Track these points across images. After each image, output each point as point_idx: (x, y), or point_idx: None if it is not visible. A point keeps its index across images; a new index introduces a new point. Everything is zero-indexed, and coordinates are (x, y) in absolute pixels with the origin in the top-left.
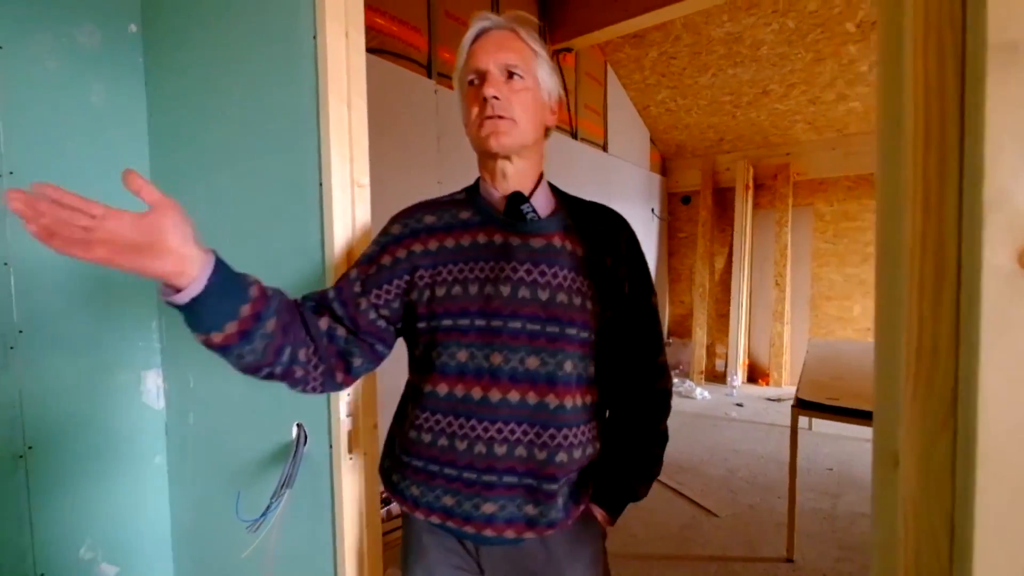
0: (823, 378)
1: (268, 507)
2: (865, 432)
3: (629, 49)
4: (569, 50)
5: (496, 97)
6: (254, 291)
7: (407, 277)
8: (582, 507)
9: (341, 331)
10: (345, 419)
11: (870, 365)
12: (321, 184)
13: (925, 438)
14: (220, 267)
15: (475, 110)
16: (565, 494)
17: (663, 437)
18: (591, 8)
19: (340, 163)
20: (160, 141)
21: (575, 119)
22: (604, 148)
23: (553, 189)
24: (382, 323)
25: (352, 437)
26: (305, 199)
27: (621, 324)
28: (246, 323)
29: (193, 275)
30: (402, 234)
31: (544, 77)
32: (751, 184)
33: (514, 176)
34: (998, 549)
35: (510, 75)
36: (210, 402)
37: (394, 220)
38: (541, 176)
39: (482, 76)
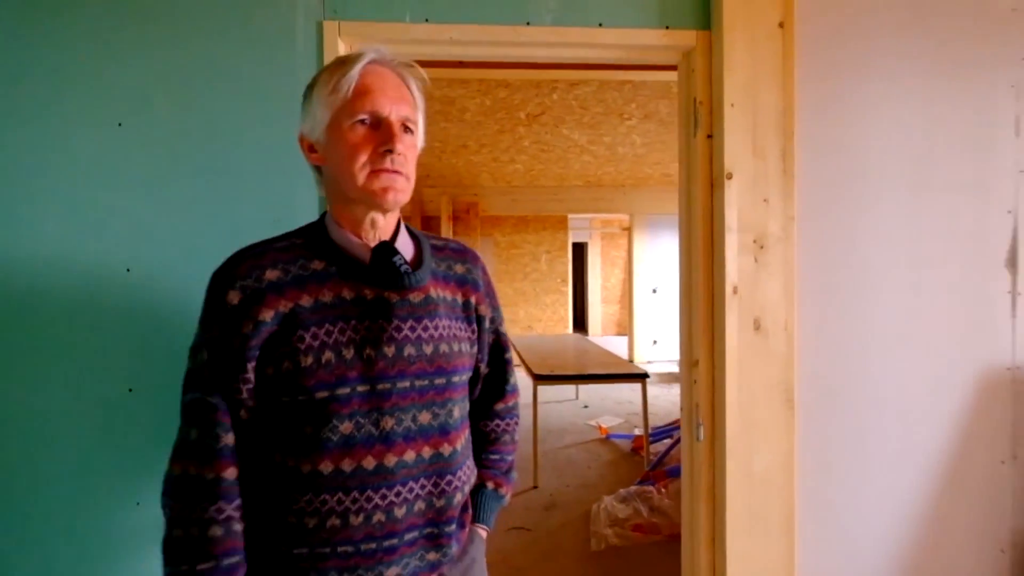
0: (536, 359)
1: None
2: (565, 392)
3: None
4: None
5: (400, 153)
6: None
7: (257, 353)
8: (467, 529)
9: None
10: None
11: (556, 349)
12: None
13: (712, 350)
14: None
15: (364, 156)
16: (456, 528)
17: (516, 443)
18: None
19: None
20: None
21: None
22: None
23: (408, 229)
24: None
25: None
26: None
27: (484, 354)
28: None
29: None
30: (243, 303)
31: (423, 130)
32: (451, 215)
33: (383, 227)
34: (738, 389)
35: (405, 128)
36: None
37: (223, 284)
38: (399, 221)
39: (379, 122)
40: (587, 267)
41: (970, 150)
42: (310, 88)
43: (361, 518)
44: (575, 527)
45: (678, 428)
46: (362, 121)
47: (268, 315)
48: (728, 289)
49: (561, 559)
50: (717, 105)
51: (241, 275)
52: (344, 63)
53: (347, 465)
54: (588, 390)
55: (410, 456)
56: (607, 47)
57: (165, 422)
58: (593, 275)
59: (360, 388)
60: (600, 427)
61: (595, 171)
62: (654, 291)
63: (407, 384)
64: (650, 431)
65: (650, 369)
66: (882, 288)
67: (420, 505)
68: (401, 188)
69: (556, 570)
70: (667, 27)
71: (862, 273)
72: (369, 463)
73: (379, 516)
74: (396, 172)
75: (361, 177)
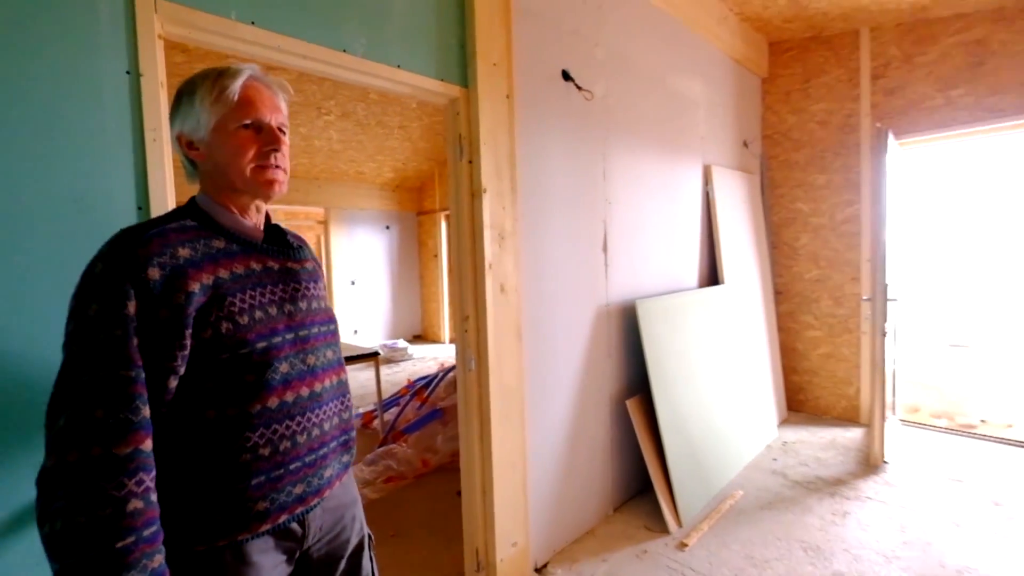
0: None
1: None
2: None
3: None
4: None
5: (282, 152)
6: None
7: (195, 317)
8: None
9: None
10: None
11: None
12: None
13: (476, 308)
14: None
15: (251, 154)
16: (354, 436)
17: None
18: None
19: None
20: None
21: None
22: None
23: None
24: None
25: None
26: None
27: None
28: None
29: None
30: (164, 277)
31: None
32: None
33: (262, 212)
34: (494, 332)
35: (280, 130)
36: None
37: (135, 263)
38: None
39: (261, 127)
40: None
41: (589, 187)
42: (189, 95)
43: (305, 436)
44: None
45: (403, 397)
46: (246, 126)
47: (195, 287)
48: (486, 266)
49: None
50: (475, 141)
51: (155, 253)
52: (224, 76)
53: (289, 397)
54: None
55: (328, 383)
56: (402, 84)
57: None
58: None
59: (288, 336)
60: None
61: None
62: (352, 283)
63: (316, 330)
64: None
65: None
66: (556, 261)
67: (335, 420)
68: (282, 180)
69: None
70: (442, 79)
71: (548, 253)
72: (304, 392)
73: (316, 431)
74: (278, 167)
75: (248, 171)
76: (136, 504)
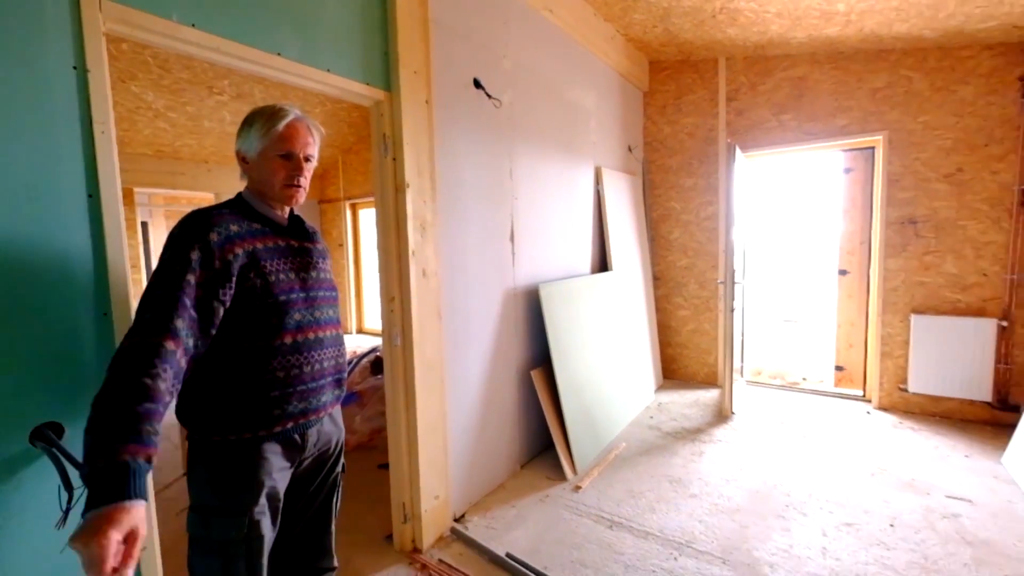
0: None
1: (70, 500)
2: None
3: None
4: None
5: (304, 175)
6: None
7: (238, 272)
8: None
9: (192, 344)
10: None
11: None
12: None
13: (401, 291)
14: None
15: (281, 175)
16: (344, 377)
17: None
18: None
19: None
20: None
21: None
22: None
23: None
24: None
25: None
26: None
27: None
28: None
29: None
30: (220, 240)
31: (317, 156)
32: None
33: (286, 206)
34: (417, 312)
35: (306, 159)
36: None
37: (203, 228)
38: None
39: (291, 156)
40: (152, 249)
41: (498, 184)
42: (248, 125)
43: (308, 368)
44: None
45: None
46: (281, 155)
47: (239, 251)
48: (410, 252)
49: None
50: (398, 140)
51: (215, 224)
52: (274, 117)
53: (300, 337)
54: None
55: (328, 333)
56: (331, 87)
57: None
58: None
59: (301, 295)
60: None
61: (171, 142)
62: None
63: (322, 293)
64: None
65: None
66: (470, 249)
67: (332, 362)
68: (299, 197)
69: None
70: (367, 83)
71: (463, 242)
72: (311, 336)
73: (317, 366)
74: (299, 187)
75: (277, 187)
76: (146, 381)
